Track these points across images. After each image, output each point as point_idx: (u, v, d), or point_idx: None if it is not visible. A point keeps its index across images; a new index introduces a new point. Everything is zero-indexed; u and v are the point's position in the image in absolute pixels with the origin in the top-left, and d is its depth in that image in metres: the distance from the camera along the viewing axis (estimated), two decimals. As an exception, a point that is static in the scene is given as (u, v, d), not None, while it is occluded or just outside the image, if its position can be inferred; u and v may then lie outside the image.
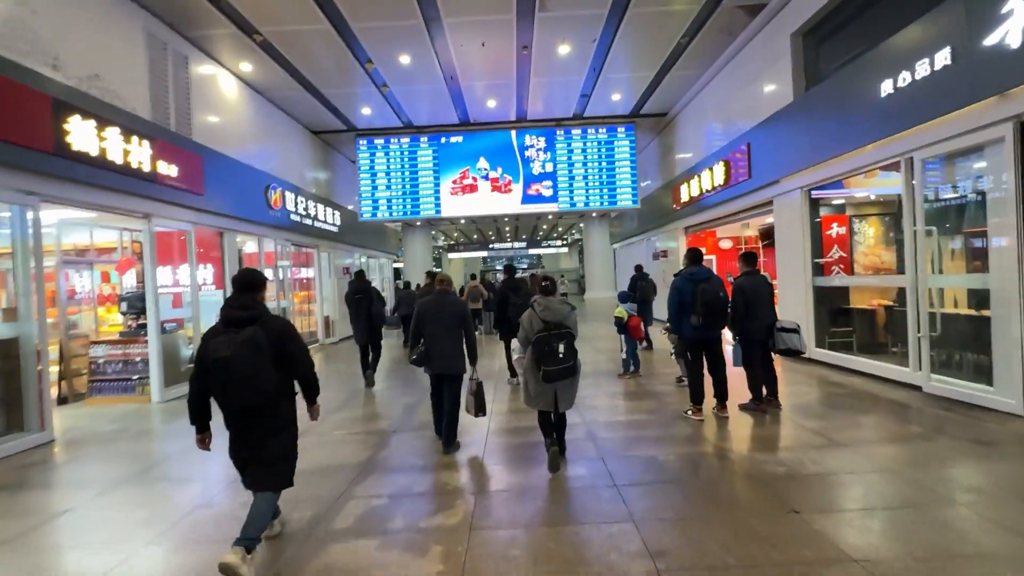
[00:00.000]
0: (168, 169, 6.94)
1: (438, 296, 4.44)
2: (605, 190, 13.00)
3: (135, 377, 7.01)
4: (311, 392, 2.84)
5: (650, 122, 13.23)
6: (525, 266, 60.81)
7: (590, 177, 13.00)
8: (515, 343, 4.08)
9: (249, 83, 9.65)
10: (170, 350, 7.30)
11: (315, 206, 12.11)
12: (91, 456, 4.76)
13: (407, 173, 12.97)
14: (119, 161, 6.08)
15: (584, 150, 13.00)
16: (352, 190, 13.20)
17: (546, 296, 3.79)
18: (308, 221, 11.70)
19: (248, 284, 2.68)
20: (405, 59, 9.17)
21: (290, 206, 10.76)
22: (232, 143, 8.99)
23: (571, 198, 13.05)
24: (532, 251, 38.42)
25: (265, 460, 2.63)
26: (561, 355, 3.57)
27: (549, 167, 12.99)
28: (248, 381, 2.44)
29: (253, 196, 9.37)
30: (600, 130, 12.98)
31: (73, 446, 5.08)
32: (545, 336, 3.59)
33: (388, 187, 13.00)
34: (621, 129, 12.96)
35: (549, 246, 35.37)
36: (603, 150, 12.98)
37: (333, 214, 13.34)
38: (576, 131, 12.99)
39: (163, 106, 7.28)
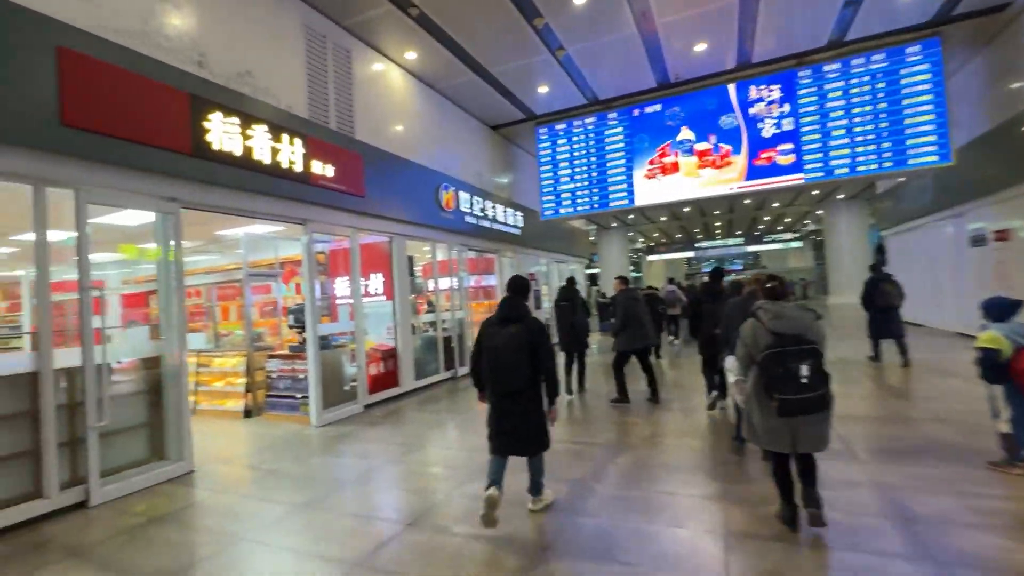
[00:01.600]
0: (323, 169, 6.31)
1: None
2: (887, 145, 8.67)
3: (298, 395, 6.55)
4: (552, 388, 3.26)
5: (969, 28, 8.37)
6: (739, 267, 52.81)
7: (859, 129, 8.84)
8: (729, 361, 3.35)
9: (416, 74, 8.94)
10: (332, 367, 6.70)
11: (494, 207, 11.02)
12: (208, 503, 3.95)
13: (593, 159, 10.93)
14: (267, 161, 5.52)
15: (846, 91, 8.92)
16: (534, 188, 11.81)
17: (775, 301, 2.86)
18: (486, 223, 10.64)
19: (518, 288, 3.35)
20: (579, 0, 7.14)
21: (465, 207, 9.79)
22: (398, 140, 8.31)
23: (825, 164, 9.10)
24: (751, 248, 32.23)
25: (526, 435, 3.21)
26: (804, 380, 2.61)
27: (788, 124, 9.31)
28: (511, 370, 3.11)
29: (422, 197, 8.56)
30: (875, 56, 8.73)
31: (205, 480, 4.44)
32: (778, 354, 2.66)
33: (571, 178, 11.17)
34: (914, 48, 8.47)
35: (773, 241, 28.97)
36: (882, 85, 8.69)
37: (515, 215, 12.15)
38: (832, 65, 9.01)
39: (322, 103, 6.77)
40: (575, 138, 11.16)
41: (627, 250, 30.55)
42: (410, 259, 8.72)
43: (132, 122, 4.29)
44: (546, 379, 3.22)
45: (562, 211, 11.33)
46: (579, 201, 11.14)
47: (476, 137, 11.11)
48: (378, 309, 8.03)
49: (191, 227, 7.38)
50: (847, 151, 8.95)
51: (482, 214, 10.51)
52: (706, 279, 5.90)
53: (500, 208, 11.39)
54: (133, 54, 4.40)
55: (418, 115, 9.00)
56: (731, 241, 30.73)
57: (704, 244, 31.40)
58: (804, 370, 2.61)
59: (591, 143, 10.97)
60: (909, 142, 8.56)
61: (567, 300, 7.11)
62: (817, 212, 27.52)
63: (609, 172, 10.83)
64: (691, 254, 32.88)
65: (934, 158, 8.42)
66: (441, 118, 9.71)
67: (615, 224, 28.57)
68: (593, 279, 11.50)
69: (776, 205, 25.66)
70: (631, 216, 25.49)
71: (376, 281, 8.08)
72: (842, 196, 23.53)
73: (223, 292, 9.02)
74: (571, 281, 7.50)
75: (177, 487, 4.33)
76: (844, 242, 24.02)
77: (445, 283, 9.61)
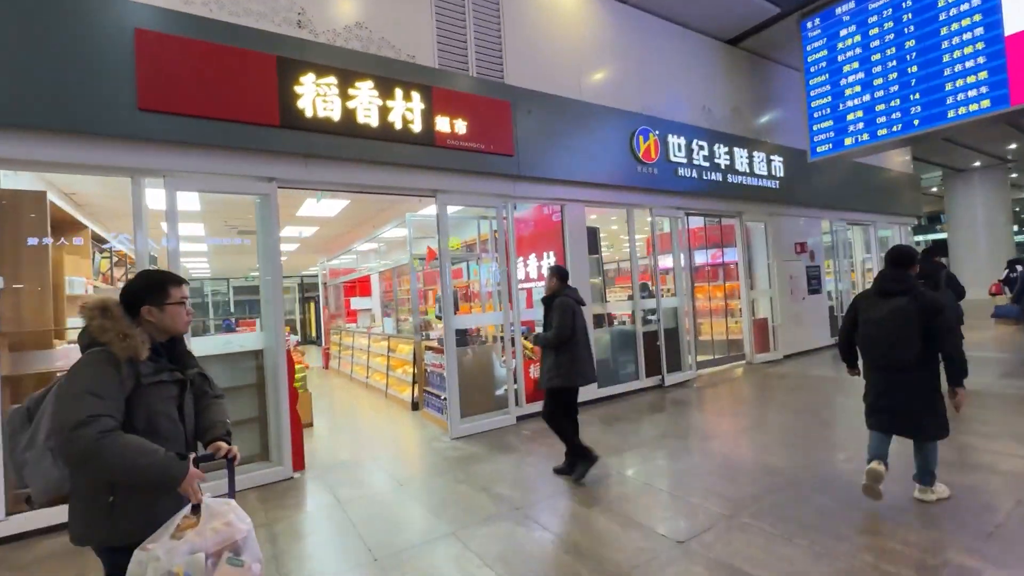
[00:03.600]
0: (452, 126, 5.11)
1: None
2: None
3: (443, 395, 5.67)
4: (954, 371, 2.83)
5: None
6: None
7: None
8: None
9: (602, -12, 6.79)
10: (476, 367, 5.56)
11: (729, 152, 7.88)
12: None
13: (910, 43, 6.44)
14: (374, 124, 4.65)
15: None
16: (800, 120, 7.92)
17: None
18: (716, 176, 7.67)
19: (901, 259, 3.05)
20: None
21: (677, 156, 7.15)
22: (568, 79, 6.41)
23: None
24: None
25: (911, 415, 2.93)
26: None
27: None
28: (892, 345, 2.88)
29: (607, 149, 6.48)
30: None
31: (292, 493, 3.90)
32: None
33: (866, 85, 6.91)
34: None
35: None
36: None
37: (768, 161, 8.55)
38: None
39: (456, 45, 5.55)
40: (872, 17, 6.85)
41: (1007, 202, 19.75)
42: (593, 231, 6.81)
43: (214, 98, 3.94)
44: (946, 364, 2.88)
45: (849, 141, 7.21)
46: (880, 121, 6.83)
47: (700, 59, 8.09)
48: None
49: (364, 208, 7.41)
50: None
51: (709, 163, 7.58)
52: None
53: (742, 153, 8.10)
54: (216, 24, 4.05)
55: (600, 41, 6.86)
56: None
57: None
58: None
59: (907, 15, 6.51)
60: None
61: (924, 278, 4.50)
62: None
63: (945, 54, 6.19)
64: None
65: None
66: (638, 40, 7.26)
67: (978, 163, 18.73)
68: (934, 251, 6.00)
69: None
70: (1013, 146, 15.97)
71: (545, 261, 6.54)
72: None
73: (428, 276, 9.07)
74: (929, 252, 5.33)
75: (268, 494, 3.90)
76: None
77: (663, 261, 7.30)
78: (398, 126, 4.79)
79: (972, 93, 5.98)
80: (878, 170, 11.58)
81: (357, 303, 11.27)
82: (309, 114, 4.34)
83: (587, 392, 6.25)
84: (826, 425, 4.77)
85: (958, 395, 2.83)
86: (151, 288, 1.66)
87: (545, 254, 6.60)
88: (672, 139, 7.11)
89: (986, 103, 5.87)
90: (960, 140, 15.46)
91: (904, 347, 2.86)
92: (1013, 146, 16.86)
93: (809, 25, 7.57)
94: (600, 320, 6.81)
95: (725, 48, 8.51)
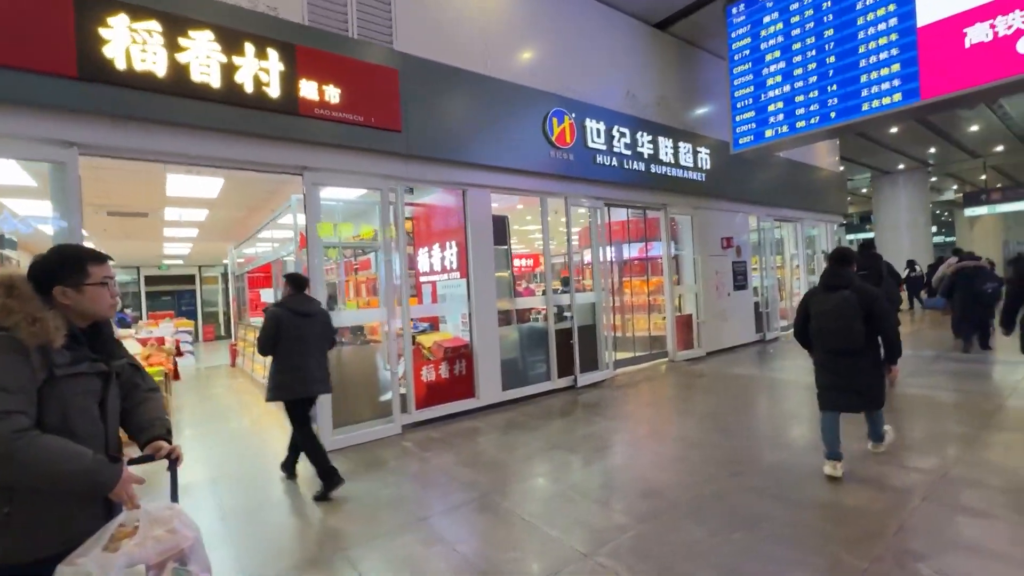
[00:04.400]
0: (322, 93, 4.41)
1: None
2: None
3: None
4: (891, 351, 3.38)
5: None
6: None
7: None
8: None
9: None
10: (353, 370, 4.93)
11: (652, 140, 7.52)
12: None
13: (828, 31, 6.24)
14: (216, 84, 3.89)
15: None
16: (726, 113, 7.64)
17: None
18: (638, 165, 7.30)
19: (842, 259, 3.47)
20: None
21: (596, 141, 6.71)
22: (472, 51, 5.80)
23: None
24: None
25: (857, 390, 3.38)
26: None
27: None
28: (841, 331, 3.29)
29: (518, 129, 5.94)
30: None
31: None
32: None
33: (787, 75, 6.69)
34: None
35: None
36: None
37: (695, 153, 8.28)
38: None
39: (335, 2, 4.83)
40: (793, 4, 6.62)
41: (926, 203, 20.82)
42: (501, 221, 6.27)
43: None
44: (885, 345, 3.38)
45: (769, 133, 6.99)
46: (799, 113, 6.63)
47: (625, 42, 7.67)
48: (456, 291, 5.93)
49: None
50: None
51: (631, 152, 7.20)
52: None
53: (667, 143, 7.77)
54: (-18, -59, 3.17)
55: (513, 13, 6.28)
56: None
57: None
58: None
59: (826, 2, 6.29)
60: None
61: (866, 270, 5.18)
62: None
63: (861, 44, 6.02)
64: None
65: None
66: (557, 15, 6.73)
67: (902, 166, 19.61)
68: (870, 245, 6.59)
69: None
70: (933, 151, 16.71)
71: (450, 253, 5.96)
72: None
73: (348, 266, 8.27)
74: (867, 247, 6.06)
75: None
76: None
77: (571, 255, 6.85)
78: (249, 88, 4.04)
79: (885, 86, 5.82)
80: (807, 168, 11.68)
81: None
82: (121, 65, 3.53)
83: (492, 395, 5.76)
84: (726, 434, 4.45)
85: (893, 371, 3.44)
86: (66, 265, 1.44)
87: (448, 244, 6.01)
88: (590, 124, 6.65)
89: (898, 96, 5.72)
90: (885, 142, 16.00)
91: (850, 333, 3.29)
92: (933, 150, 17.67)
93: (735, 11, 7.28)
94: (510, 317, 6.30)
95: (653, 32, 8.13)
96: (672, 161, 7.85)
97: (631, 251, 9.00)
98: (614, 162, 6.95)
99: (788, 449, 3.95)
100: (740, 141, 7.33)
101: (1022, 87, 5.29)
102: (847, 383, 3.38)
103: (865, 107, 6.00)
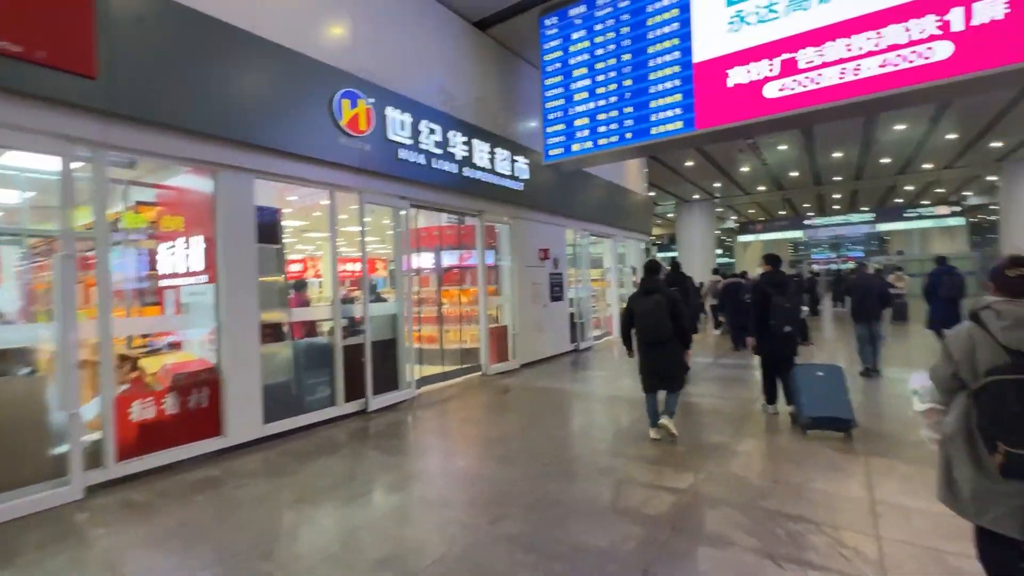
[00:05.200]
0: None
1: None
2: None
3: (-68, 469, 3.30)
4: (686, 342, 4.37)
5: None
6: (860, 254, 43.74)
7: None
8: (916, 380, 2.03)
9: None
10: (8, 408, 3.38)
11: (468, 143, 7.11)
12: None
13: (626, 55, 6.55)
14: None
15: None
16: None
17: (1018, 298, 1.76)
18: (450, 166, 6.79)
19: (653, 269, 4.47)
20: None
21: (399, 133, 6.02)
22: (234, 2, 4.66)
23: None
24: (882, 227, 24.92)
25: (667, 375, 4.33)
26: None
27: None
28: (656, 326, 4.21)
29: (295, 106, 4.93)
30: None
31: None
32: (1016, 383, 1.64)
33: (592, 92, 6.88)
34: None
35: (920, 217, 21.69)
36: None
37: (512, 161, 8.13)
38: None
39: None
40: (597, 25, 6.82)
41: (714, 229, 24.84)
42: (271, 214, 5.16)
43: None
44: (682, 334, 4.31)
45: (576, 147, 7.10)
46: (601, 130, 6.84)
47: (442, 33, 7.17)
48: (201, 299, 4.62)
49: None
50: None
51: (442, 151, 6.67)
52: (766, 268, 5.00)
53: (484, 147, 7.44)
54: None
55: (303, -29, 5.28)
56: (855, 218, 23.68)
57: (817, 222, 24.63)
58: None
59: (624, 27, 6.59)
60: None
61: (675, 286, 5.57)
62: (989, 178, 19.97)
63: (651, 72, 6.40)
64: (799, 233, 26.18)
65: None
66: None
67: (697, 196, 23.08)
68: (679, 265, 7.77)
69: (929, 167, 18.74)
70: (718, 185, 19.97)
71: (197, 251, 4.64)
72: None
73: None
74: (678, 266, 7.36)
75: None
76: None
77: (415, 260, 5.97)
78: None
79: (669, 113, 6.24)
80: (621, 189, 12.65)
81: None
82: None
83: (248, 430, 4.59)
84: (506, 463, 4.05)
85: (687, 354, 4.44)
86: None
87: (193, 240, 4.68)
88: (392, 113, 5.93)
89: (679, 124, 6.17)
90: (683, 173, 18.49)
91: (662, 327, 4.20)
92: (718, 184, 21.02)
93: (548, 23, 7.30)
94: (281, 332, 5.19)
95: (473, 31, 7.79)
96: (488, 167, 7.55)
97: (451, 259, 8.50)
98: (421, 160, 6.33)
99: (562, 479, 3.66)
100: (551, 152, 7.34)
101: (769, 128, 6.05)
102: (658, 368, 4.32)
103: (654, 131, 6.37)
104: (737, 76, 5.76)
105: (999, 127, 13.87)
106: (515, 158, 8.20)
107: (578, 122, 7.02)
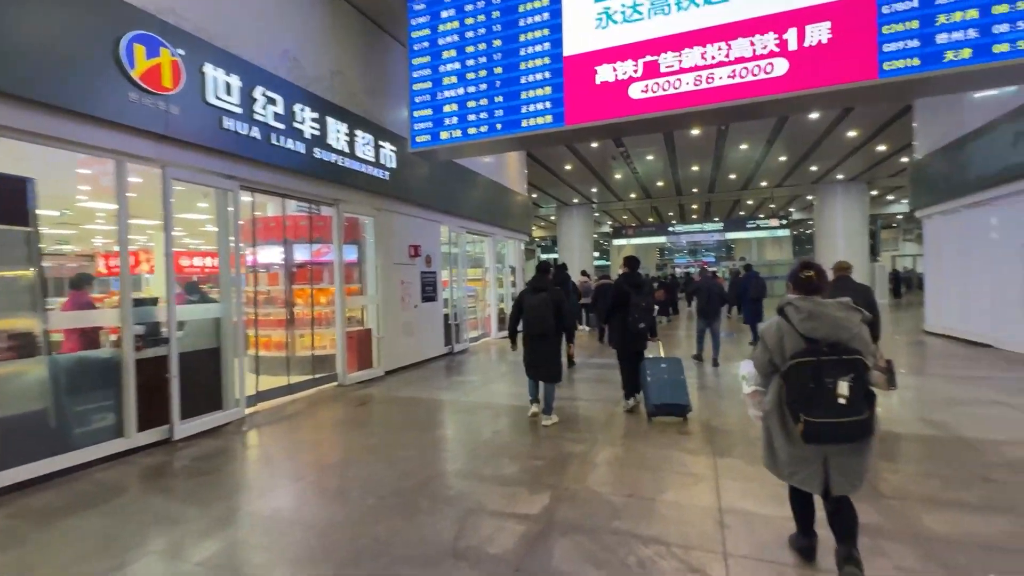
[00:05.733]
0: None
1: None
2: None
3: None
4: (570, 336, 5.01)
5: None
6: (712, 259, 49.34)
7: None
8: (744, 368, 2.45)
9: None
10: None
11: (320, 120, 6.19)
12: None
13: (496, 41, 6.18)
14: None
15: None
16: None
17: (810, 295, 2.20)
18: (296, 145, 5.82)
19: (543, 269, 4.99)
20: None
21: (224, 98, 4.94)
22: None
23: (932, 48, 4.57)
24: (730, 235, 28.28)
25: (547, 366, 4.70)
26: (844, 399, 2.00)
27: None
28: (541, 321, 4.64)
29: (59, 42, 3.68)
30: None
31: None
32: (810, 364, 2.04)
33: (461, 77, 6.41)
34: None
35: (757, 228, 24.95)
36: None
37: (377, 147, 7.34)
38: None
39: None
40: (468, 5, 6.36)
41: (592, 233, 26.11)
42: (18, 184, 3.83)
43: None
44: (566, 331, 4.86)
45: (445, 135, 6.56)
46: (471, 119, 6.38)
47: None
48: None
49: None
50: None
51: (285, 126, 5.68)
52: (625, 269, 5.20)
53: (340, 127, 6.56)
54: None
55: None
56: (708, 226, 26.58)
57: (678, 229, 27.18)
58: (844, 387, 2.00)
59: (496, 11, 6.20)
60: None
61: (560, 285, 6.54)
62: (808, 197, 23.67)
63: (522, 62, 6.10)
64: (663, 239, 28.65)
65: None
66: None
67: (576, 200, 24.03)
68: (563, 266, 9.31)
69: (764, 184, 21.59)
70: (595, 190, 20.92)
71: None
72: (841, 176, 19.67)
73: None
74: (563, 267, 8.45)
75: None
76: (839, 228, 20.31)
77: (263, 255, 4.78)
78: None
79: (540, 106, 5.99)
80: (501, 188, 12.41)
81: None
82: None
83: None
84: (333, 499, 3.37)
85: (571, 348, 5.38)
86: None
87: None
88: (213, 72, 4.84)
89: (549, 118, 5.94)
90: (563, 177, 19.00)
91: (547, 323, 4.64)
92: (595, 190, 22.02)
93: (415, -4, 6.65)
94: (34, 344, 3.87)
95: (343, 3, 6.84)
96: (347, 150, 6.69)
97: (304, 254, 7.42)
98: (256, 133, 5.30)
99: (399, 515, 3.08)
100: (418, 139, 6.71)
101: (636, 128, 6.08)
102: (539, 359, 4.71)
103: (524, 124, 6.07)
104: (604, 74, 5.68)
105: (816, 153, 16.30)
106: (380, 143, 7.42)
107: (447, 108, 6.48)
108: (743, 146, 15.65)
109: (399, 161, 7.77)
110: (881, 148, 15.74)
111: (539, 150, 14.89)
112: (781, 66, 4.97)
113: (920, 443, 4.10)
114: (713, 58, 5.22)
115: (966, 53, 4.41)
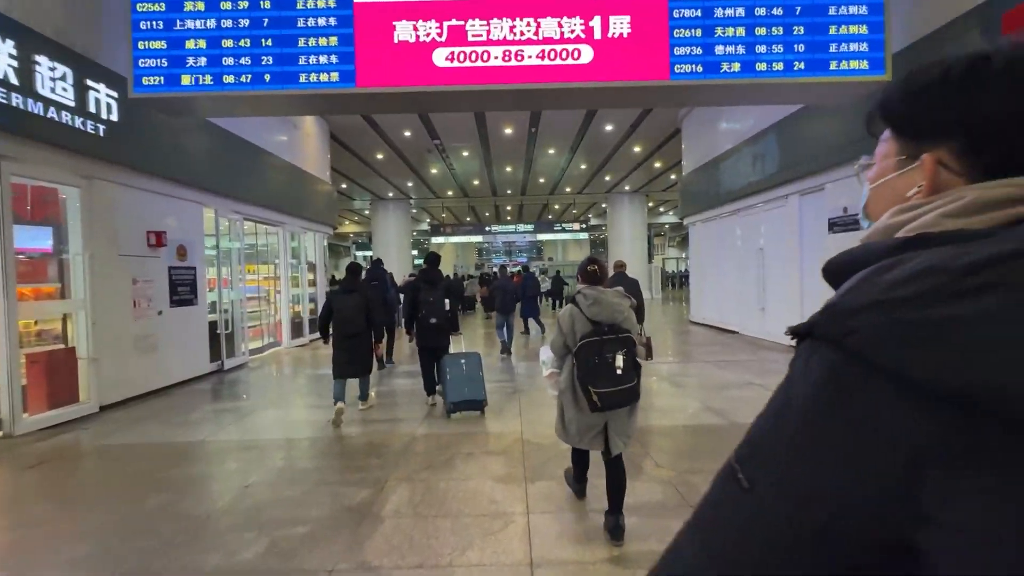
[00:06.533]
0: None
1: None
2: (799, 47, 4.80)
3: None
4: (378, 333, 5.16)
5: None
6: (524, 259, 52.73)
7: (767, 14, 4.77)
8: (544, 353, 2.80)
9: None
10: None
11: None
12: None
13: (263, -33, 4.76)
14: None
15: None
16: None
17: (594, 286, 2.66)
18: None
19: (354, 271, 5.19)
20: None
21: None
22: None
23: (712, 57, 4.83)
24: (541, 237, 30.23)
25: (359, 362, 4.91)
26: (620, 371, 2.47)
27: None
28: (353, 321, 4.83)
29: None
30: None
31: None
32: (595, 343, 2.50)
33: (212, 6, 4.78)
34: None
35: (563, 231, 27.12)
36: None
37: (81, 87, 5.13)
38: None
39: None
40: (221, -91, 4.77)
41: (410, 230, 24.95)
42: None
43: None
44: (374, 329, 5.02)
45: (187, 80, 4.82)
46: (227, 63, 4.80)
47: None
48: None
49: None
50: (744, 45, 4.82)
51: None
52: (424, 266, 5.51)
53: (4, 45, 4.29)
54: None
55: None
56: (521, 227, 27.97)
57: (495, 229, 27.94)
58: (620, 361, 2.48)
59: (258, -75, 4.75)
60: (830, 44, 4.84)
61: (376, 280, 7.21)
62: (603, 204, 26.65)
63: (300, 0, 4.80)
64: (480, 238, 29.15)
65: (860, 63, 4.85)
66: None
67: (391, 194, 22.62)
68: (380, 261, 8.46)
69: (569, 190, 23.47)
70: (411, 184, 19.88)
71: None
72: (628, 188, 22.52)
73: None
74: (379, 262, 8.17)
75: None
76: (626, 234, 23.23)
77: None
78: None
79: (323, 59, 4.78)
80: (299, 172, 10.54)
81: None
82: None
83: None
84: None
85: (378, 348, 5.30)
86: None
87: None
88: None
89: (335, 75, 4.78)
90: (376, 168, 17.52)
91: (358, 323, 4.87)
92: (411, 184, 20.98)
93: None
94: None
95: None
96: (15, 83, 4.43)
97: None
98: None
99: None
100: (144, 81, 4.81)
101: (442, 102, 5.33)
102: (351, 357, 4.86)
103: (303, 78, 4.80)
104: (404, 32, 4.78)
105: (609, 164, 18.15)
106: (90, 84, 5.23)
107: (190, 44, 4.76)
108: (551, 150, 16.48)
109: (125, 113, 5.62)
110: (658, 164, 18.29)
111: (344, 131, 13.25)
112: (587, 53, 4.77)
113: (708, 434, 4.25)
114: (522, 34, 4.78)
115: (736, 67, 4.78)
